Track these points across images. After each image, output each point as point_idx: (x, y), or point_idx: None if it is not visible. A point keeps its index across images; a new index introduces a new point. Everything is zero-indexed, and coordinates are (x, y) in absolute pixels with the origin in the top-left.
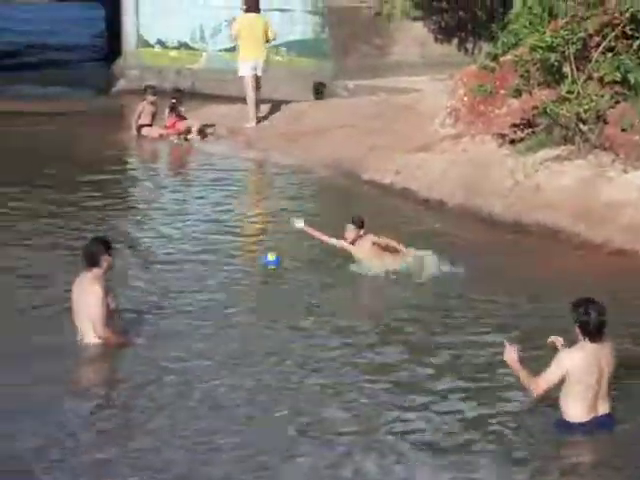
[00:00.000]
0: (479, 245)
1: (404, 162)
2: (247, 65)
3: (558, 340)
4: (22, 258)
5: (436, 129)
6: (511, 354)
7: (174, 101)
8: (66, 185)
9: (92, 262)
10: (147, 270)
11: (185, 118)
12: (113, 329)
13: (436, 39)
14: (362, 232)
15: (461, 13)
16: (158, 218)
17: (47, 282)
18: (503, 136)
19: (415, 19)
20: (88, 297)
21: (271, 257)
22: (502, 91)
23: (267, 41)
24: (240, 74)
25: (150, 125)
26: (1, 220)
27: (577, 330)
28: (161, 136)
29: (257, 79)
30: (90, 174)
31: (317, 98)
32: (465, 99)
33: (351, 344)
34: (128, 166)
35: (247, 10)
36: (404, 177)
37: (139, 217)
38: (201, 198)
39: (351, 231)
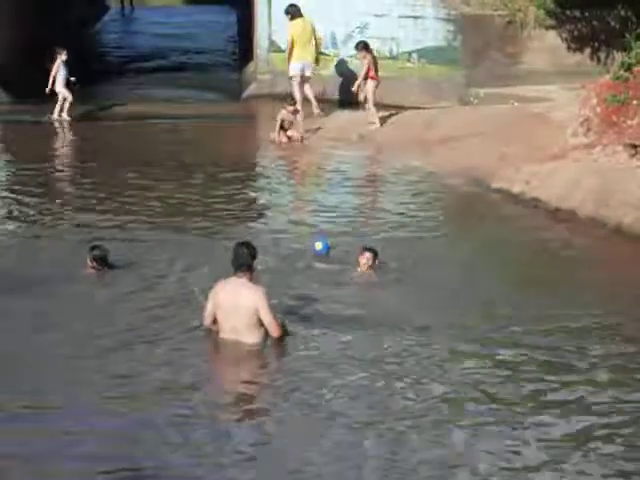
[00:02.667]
0: (607, 256)
1: (534, 171)
2: (297, 66)
3: None
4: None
5: (567, 138)
6: None
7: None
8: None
9: (247, 266)
10: (292, 267)
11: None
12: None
13: (569, 48)
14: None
15: (594, 22)
16: (308, 214)
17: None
18: (635, 147)
19: (548, 28)
20: (253, 300)
21: (318, 247)
22: (635, 101)
23: (316, 44)
24: (291, 74)
25: (286, 131)
26: (158, 214)
27: None
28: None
29: (307, 79)
30: (236, 174)
31: None
32: (597, 109)
33: None
34: (265, 167)
35: (292, 18)
36: (534, 186)
37: (288, 211)
38: (325, 199)
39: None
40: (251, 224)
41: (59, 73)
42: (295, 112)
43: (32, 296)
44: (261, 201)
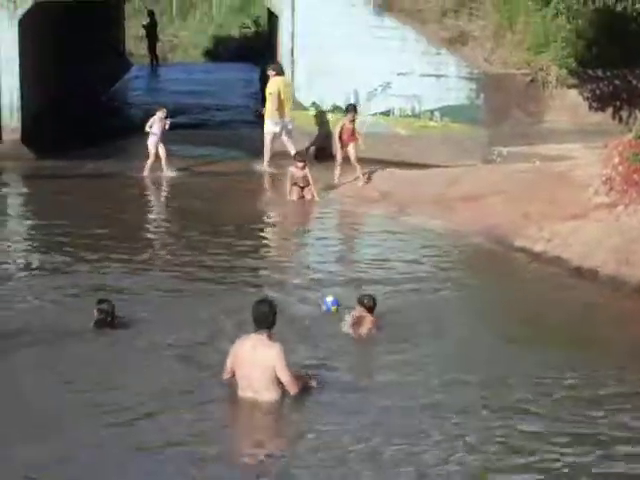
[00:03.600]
0: (628, 315)
1: (557, 230)
2: (278, 122)
3: None
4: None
5: (590, 197)
6: None
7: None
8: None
9: (268, 324)
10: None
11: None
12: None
13: (590, 107)
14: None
15: (616, 82)
16: (322, 270)
17: None
18: None
19: (570, 86)
20: (271, 357)
21: (329, 299)
22: None
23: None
24: (268, 130)
25: (302, 188)
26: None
27: None
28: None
29: (289, 133)
30: (251, 230)
31: None
32: (620, 168)
33: None
34: (282, 225)
35: (276, 75)
36: (556, 245)
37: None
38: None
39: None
40: (262, 280)
41: (153, 130)
42: (304, 167)
43: (42, 354)
44: (274, 257)
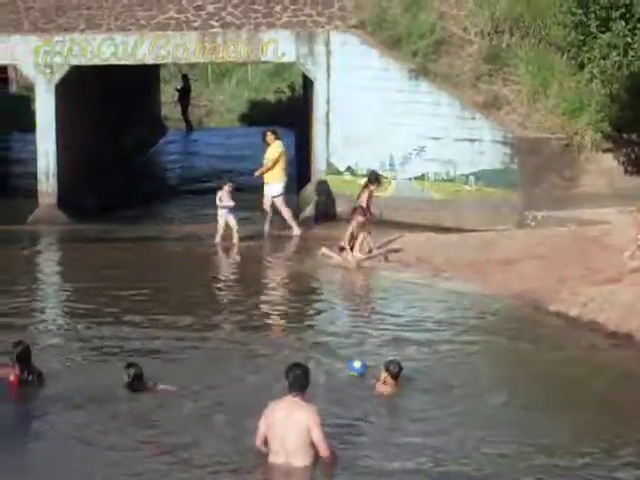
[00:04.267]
0: None
1: (592, 294)
2: (281, 186)
3: None
4: None
5: (624, 261)
6: None
7: None
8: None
9: (302, 387)
10: None
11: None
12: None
13: (626, 171)
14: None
15: None
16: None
17: None
18: None
19: (605, 151)
20: (306, 418)
21: (357, 364)
22: None
23: None
24: (276, 194)
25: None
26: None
27: None
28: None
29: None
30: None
31: None
32: None
33: None
34: (318, 291)
35: (276, 139)
36: (591, 309)
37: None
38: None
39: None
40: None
41: (223, 203)
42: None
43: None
44: (310, 318)
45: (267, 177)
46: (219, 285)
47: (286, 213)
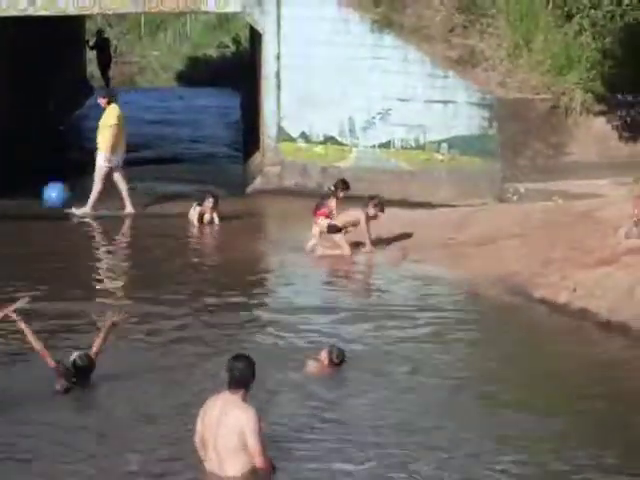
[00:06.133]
0: None
1: (582, 278)
2: (116, 156)
3: None
4: None
5: (619, 241)
6: None
7: None
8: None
9: (243, 384)
10: None
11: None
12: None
13: (620, 137)
14: None
15: None
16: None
17: None
18: None
19: (596, 114)
20: (241, 421)
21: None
22: None
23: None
24: (108, 165)
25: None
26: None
27: None
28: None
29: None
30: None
31: None
32: None
33: None
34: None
35: (109, 102)
36: (581, 296)
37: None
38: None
39: None
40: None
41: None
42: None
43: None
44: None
45: (100, 145)
46: None
47: (96, 188)
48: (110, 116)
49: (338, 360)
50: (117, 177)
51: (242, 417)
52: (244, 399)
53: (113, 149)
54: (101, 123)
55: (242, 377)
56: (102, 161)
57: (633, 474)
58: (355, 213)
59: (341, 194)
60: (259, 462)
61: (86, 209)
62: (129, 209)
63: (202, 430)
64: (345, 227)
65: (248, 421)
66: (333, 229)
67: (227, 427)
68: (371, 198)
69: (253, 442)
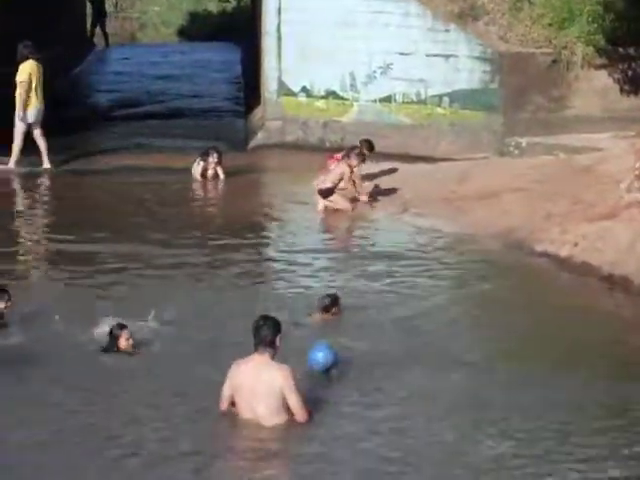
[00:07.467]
0: None
1: (584, 232)
2: (33, 113)
3: None
4: None
5: (621, 194)
6: None
7: None
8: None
9: (270, 342)
10: None
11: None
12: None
13: (622, 90)
14: None
15: None
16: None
17: None
18: None
19: (598, 67)
20: (278, 381)
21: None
22: None
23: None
24: (29, 121)
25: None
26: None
27: None
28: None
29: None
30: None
31: None
32: None
33: None
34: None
35: (27, 59)
36: (583, 249)
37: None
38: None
39: None
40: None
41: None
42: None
43: None
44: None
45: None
46: None
47: (16, 144)
48: (22, 72)
49: (324, 305)
50: (36, 134)
51: (278, 376)
52: (273, 358)
53: (25, 106)
54: (17, 79)
55: (269, 336)
56: (16, 119)
57: None
58: (339, 169)
59: (366, 153)
60: (300, 416)
61: (10, 165)
62: (46, 165)
63: (231, 393)
64: (336, 185)
65: (285, 379)
66: (326, 193)
67: (265, 389)
68: (352, 149)
69: (294, 399)
